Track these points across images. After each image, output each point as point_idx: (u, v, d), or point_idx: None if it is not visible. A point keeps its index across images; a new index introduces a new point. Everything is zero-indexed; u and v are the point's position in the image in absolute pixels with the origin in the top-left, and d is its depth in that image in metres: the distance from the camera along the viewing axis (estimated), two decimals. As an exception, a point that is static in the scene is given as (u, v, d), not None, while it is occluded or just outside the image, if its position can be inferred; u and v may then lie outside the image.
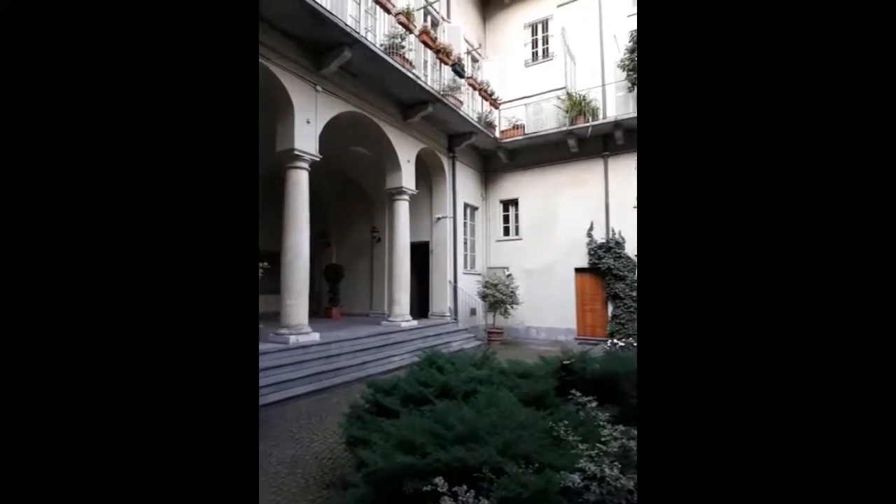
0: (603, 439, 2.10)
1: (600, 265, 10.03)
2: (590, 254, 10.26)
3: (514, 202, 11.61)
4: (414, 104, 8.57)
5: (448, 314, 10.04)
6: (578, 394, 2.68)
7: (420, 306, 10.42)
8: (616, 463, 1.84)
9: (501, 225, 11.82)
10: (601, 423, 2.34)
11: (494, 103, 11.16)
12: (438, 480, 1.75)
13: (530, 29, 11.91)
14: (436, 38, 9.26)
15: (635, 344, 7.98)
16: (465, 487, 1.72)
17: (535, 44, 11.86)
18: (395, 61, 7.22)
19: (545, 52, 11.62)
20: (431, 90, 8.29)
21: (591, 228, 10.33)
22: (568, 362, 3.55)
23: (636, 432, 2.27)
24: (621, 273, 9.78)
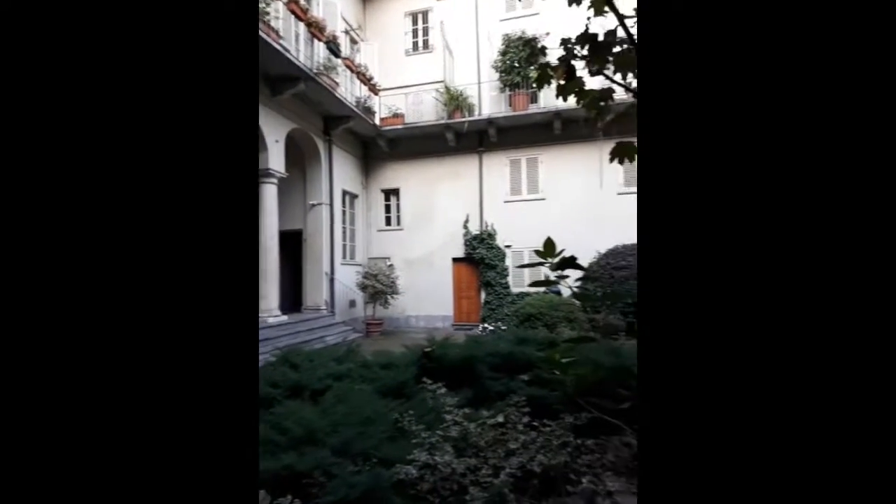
0: (445, 425, 2.14)
1: (475, 255, 10.59)
2: (465, 244, 10.76)
3: (396, 192, 11.54)
4: (283, 79, 7.84)
5: (324, 307, 9.56)
6: (429, 381, 2.72)
7: (293, 299, 9.72)
8: (450, 448, 1.88)
9: (383, 214, 11.66)
10: (448, 408, 2.39)
11: (374, 89, 10.87)
12: (261, 493, 1.58)
13: (411, 18, 11.83)
14: (307, 10, 8.59)
15: (503, 327, 8.66)
16: (289, 498, 1.57)
17: (415, 34, 11.83)
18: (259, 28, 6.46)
19: (425, 44, 11.68)
20: (303, 66, 7.67)
21: (466, 220, 10.81)
22: (429, 349, 3.61)
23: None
24: (493, 262, 10.47)
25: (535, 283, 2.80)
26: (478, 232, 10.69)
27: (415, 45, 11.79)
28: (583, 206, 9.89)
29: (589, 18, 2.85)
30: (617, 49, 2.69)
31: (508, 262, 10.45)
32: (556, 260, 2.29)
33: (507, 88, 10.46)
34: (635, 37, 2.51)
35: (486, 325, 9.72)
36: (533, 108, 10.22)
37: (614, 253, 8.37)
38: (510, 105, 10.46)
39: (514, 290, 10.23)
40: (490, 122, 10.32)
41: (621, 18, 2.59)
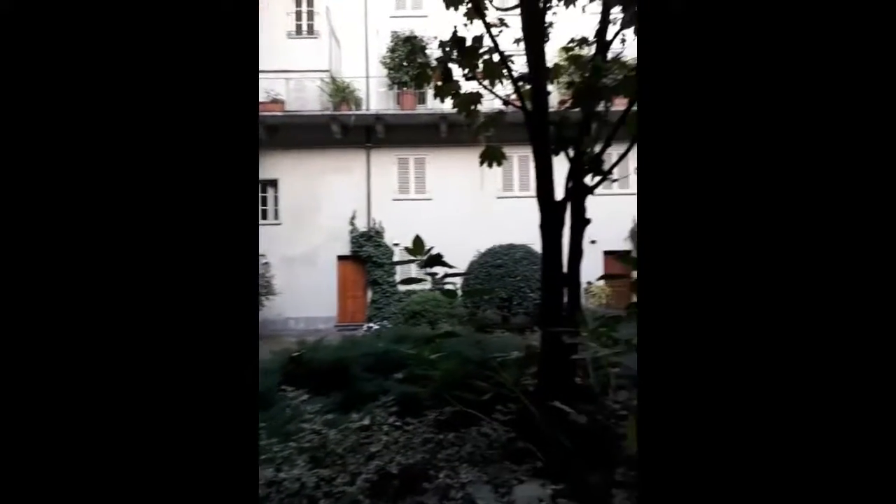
0: (300, 435, 1.98)
1: (361, 253, 10.32)
2: (352, 242, 10.42)
3: (274, 183, 10.64)
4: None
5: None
6: (292, 389, 2.52)
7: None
8: (303, 460, 1.73)
9: (259, 207, 10.66)
10: (308, 416, 2.22)
11: (250, 69, 9.84)
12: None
13: (295, -2, 11.03)
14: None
15: (388, 326, 8.61)
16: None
17: (298, 15, 11.05)
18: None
19: (310, 29, 10.99)
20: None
21: (353, 217, 10.48)
22: (297, 354, 3.36)
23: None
24: (380, 261, 10.33)
25: (404, 281, 2.76)
26: (365, 229, 10.44)
27: (298, 28, 11.01)
28: (466, 207, 10.34)
29: (467, 25, 2.95)
30: (486, 57, 2.83)
31: (397, 259, 10.44)
32: (425, 258, 2.31)
33: (396, 86, 10.42)
34: (499, 45, 2.68)
35: (370, 324, 9.55)
36: (421, 109, 10.35)
37: (492, 252, 8.94)
38: (398, 103, 10.44)
39: (402, 288, 10.25)
40: (378, 118, 10.15)
41: (488, 27, 2.73)
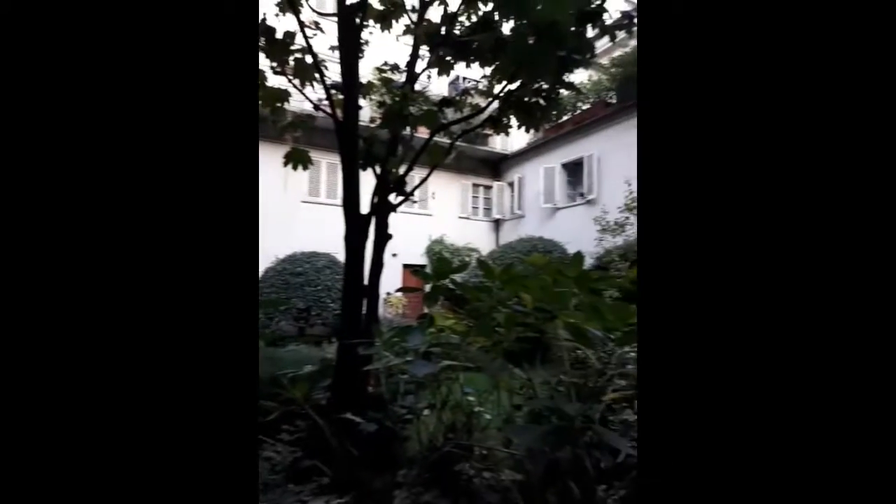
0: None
1: None
2: None
3: None
4: None
5: None
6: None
7: None
8: None
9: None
10: None
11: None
12: None
13: None
14: None
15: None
16: None
17: None
18: None
19: None
20: None
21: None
22: None
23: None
24: None
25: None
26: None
27: None
28: (265, 209, 9.42)
29: (278, 16, 2.74)
30: (299, 56, 2.70)
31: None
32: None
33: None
34: (313, 47, 2.60)
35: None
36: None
37: (292, 259, 8.39)
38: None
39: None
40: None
41: (301, 25, 2.62)
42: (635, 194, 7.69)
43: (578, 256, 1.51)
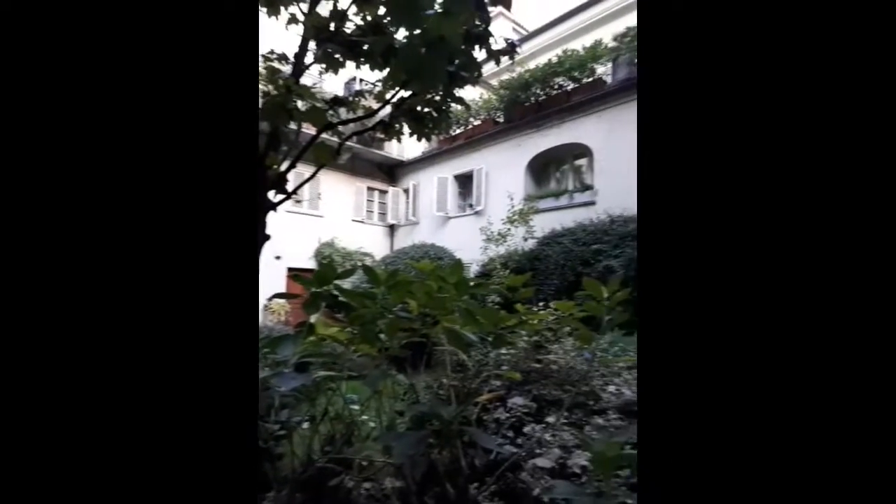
0: None
1: None
2: None
3: None
4: None
5: None
6: None
7: None
8: None
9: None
10: None
11: None
12: None
13: None
14: None
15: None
16: None
17: None
18: None
19: None
20: None
21: None
22: None
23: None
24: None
25: None
26: None
27: None
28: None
29: None
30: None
31: None
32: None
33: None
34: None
35: None
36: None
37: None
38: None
39: None
40: None
41: None
42: (517, 207, 8.39)
43: (458, 263, 1.57)
